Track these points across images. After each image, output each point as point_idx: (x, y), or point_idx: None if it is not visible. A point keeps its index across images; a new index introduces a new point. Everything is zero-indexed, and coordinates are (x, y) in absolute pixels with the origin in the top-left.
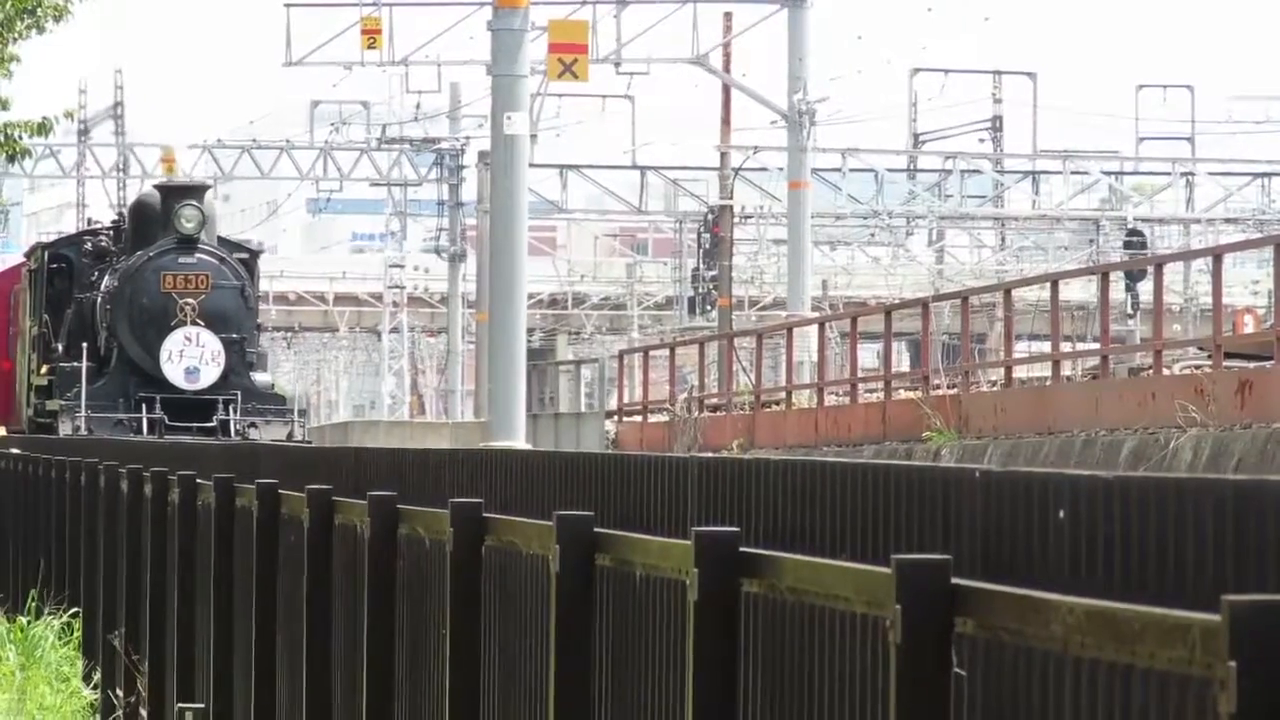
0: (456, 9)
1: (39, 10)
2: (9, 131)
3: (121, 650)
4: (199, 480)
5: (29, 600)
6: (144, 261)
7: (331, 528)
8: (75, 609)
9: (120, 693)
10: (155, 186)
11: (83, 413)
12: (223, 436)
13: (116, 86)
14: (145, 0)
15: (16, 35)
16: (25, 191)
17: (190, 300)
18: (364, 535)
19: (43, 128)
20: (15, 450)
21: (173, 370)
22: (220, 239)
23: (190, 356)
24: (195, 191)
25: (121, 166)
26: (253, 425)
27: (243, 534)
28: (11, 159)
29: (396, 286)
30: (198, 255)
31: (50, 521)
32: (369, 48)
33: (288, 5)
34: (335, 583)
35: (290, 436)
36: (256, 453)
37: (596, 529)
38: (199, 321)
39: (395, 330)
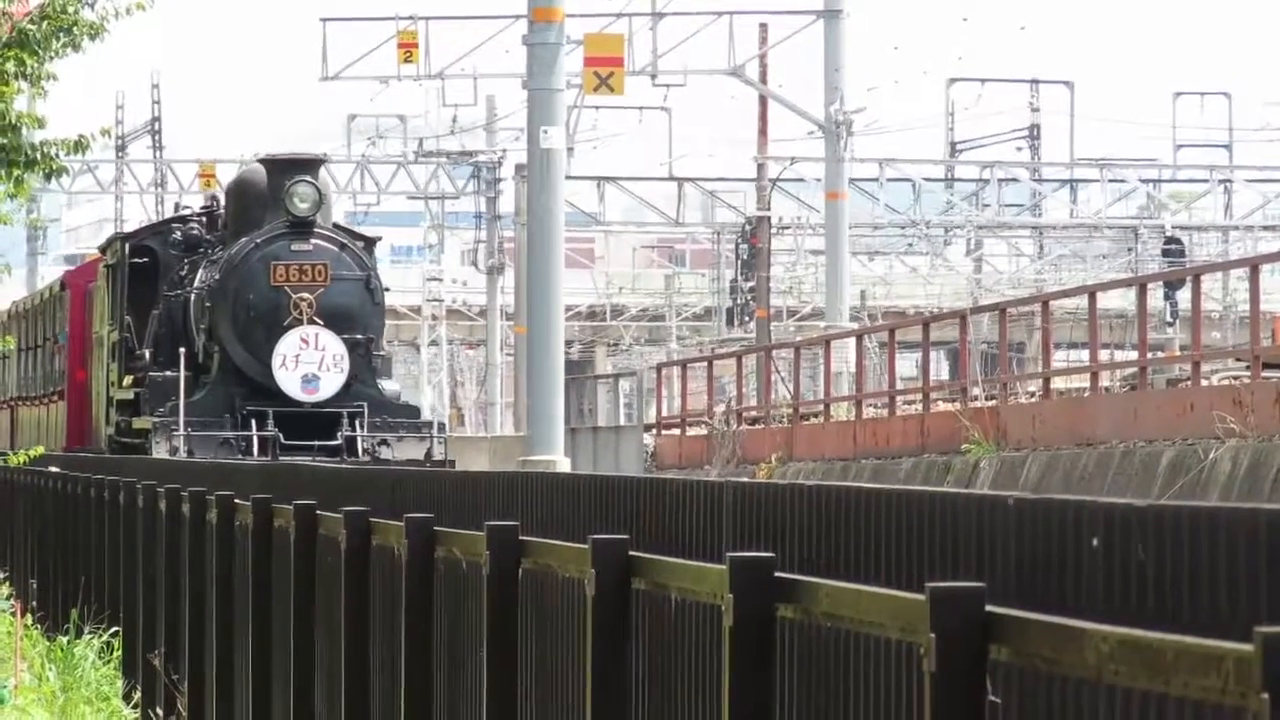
0: (492, 22)
1: (75, 29)
2: (45, 150)
3: (161, 669)
4: (237, 500)
5: (70, 619)
6: (250, 249)
7: (369, 549)
8: (115, 628)
9: (160, 712)
10: (260, 160)
11: (181, 431)
12: (349, 457)
13: (153, 102)
14: (182, 17)
15: (53, 54)
16: (63, 207)
17: (306, 295)
18: (401, 557)
19: (79, 145)
20: (55, 469)
21: (287, 379)
22: (335, 225)
23: (307, 362)
24: (309, 166)
25: (159, 182)
26: (384, 443)
27: (280, 555)
28: (49, 177)
29: (435, 300)
30: (314, 241)
31: (91, 540)
32: (405, 61)
33: (324, 20)
34: (373, 604)
35: (429, 455)
36: (294, 473)
37: (631, 552)
38: (317, 320)
39: (434, 343)
